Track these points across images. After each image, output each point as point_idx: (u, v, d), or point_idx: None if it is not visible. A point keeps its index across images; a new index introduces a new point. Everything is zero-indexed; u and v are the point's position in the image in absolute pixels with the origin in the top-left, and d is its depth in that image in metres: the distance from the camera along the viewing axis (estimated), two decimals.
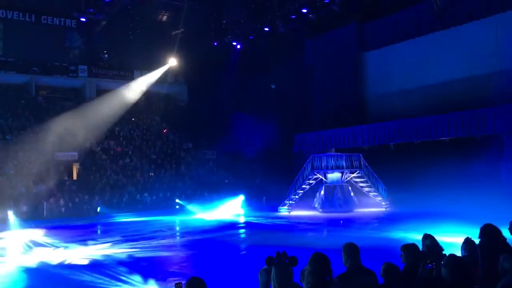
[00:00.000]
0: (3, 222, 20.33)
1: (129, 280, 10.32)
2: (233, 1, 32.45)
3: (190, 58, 34.69)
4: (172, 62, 34.88)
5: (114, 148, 30.71)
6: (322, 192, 24.95)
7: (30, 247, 15.48)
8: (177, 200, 26.18)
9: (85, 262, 12.89)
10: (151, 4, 33.46)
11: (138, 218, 23.47)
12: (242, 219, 23.22)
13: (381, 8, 27.65)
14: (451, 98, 23.53)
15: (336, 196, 24.49)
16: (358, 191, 25.30)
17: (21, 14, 32.77)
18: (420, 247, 5.39)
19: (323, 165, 24.58)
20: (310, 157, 25.22)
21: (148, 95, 36.02)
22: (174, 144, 33.79)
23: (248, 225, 21.37)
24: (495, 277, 4.32)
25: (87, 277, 10.88)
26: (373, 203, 24.75)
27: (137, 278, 10.40)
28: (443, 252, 5.49)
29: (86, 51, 35.61)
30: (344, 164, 24.35)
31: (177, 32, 34.74)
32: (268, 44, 32.72)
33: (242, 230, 20.35)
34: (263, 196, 28.36)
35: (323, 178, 24.96)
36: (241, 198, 25.99)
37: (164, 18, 36.60)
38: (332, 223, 20.40)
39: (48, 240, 16.81)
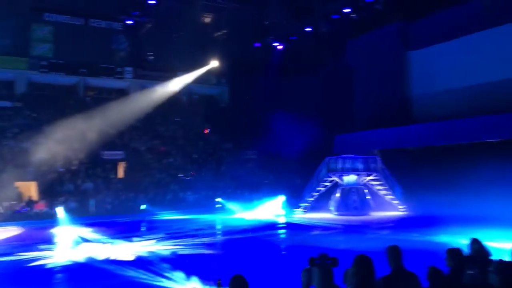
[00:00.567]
0: (53, 218, 21.20)
1: (172, 277, 10.55)
2: (275, 2, 32.51)
3: (231, 59, 35.02)
4: (214, 63, 35.30)
5: (158, 148, 31.46)
6: (338, 195, 24.57)
7: (78, 243, 16.04)
8: (218, 199, 26.46)
9: (130, 258, 13.33)
10: (194, 6, 34.01)
11: (181, 216, 23.83)
12: (282, 219, 23.24)
13: (424, 7, 27.00)
14: (502, 98, 22.69)
15: (352, 199, 24.06)
16: (375, 194, 24.76)
17: (70, 18, 34.14)
18: (466, 251, 5.28)
19: (338, 167, 24.23)
20: (326, 159, 24.82)
21: (191, 96, 36.60)
22: (215, 144, 34.22)
23: (288, 225, 21.38)
24: None
25: (131, 273, 11.22)
26: (389, 206, 24.22)
27: (180, 275, 10.58)
28: (490, 258, 5.35)
29: (131, 53, 36.63)
30: (361, 167, 23.92)
31: (219, 33, 35.13)
32: (310, 44, 32.58)
33: (282, 230, 20.39)
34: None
35: (339, 181, 24.59)
36: (282, 198, 25.95)
37: (207, 20, 37.08)
38: (369, 226, 20.06)
39: (95, 236, 17.33)
